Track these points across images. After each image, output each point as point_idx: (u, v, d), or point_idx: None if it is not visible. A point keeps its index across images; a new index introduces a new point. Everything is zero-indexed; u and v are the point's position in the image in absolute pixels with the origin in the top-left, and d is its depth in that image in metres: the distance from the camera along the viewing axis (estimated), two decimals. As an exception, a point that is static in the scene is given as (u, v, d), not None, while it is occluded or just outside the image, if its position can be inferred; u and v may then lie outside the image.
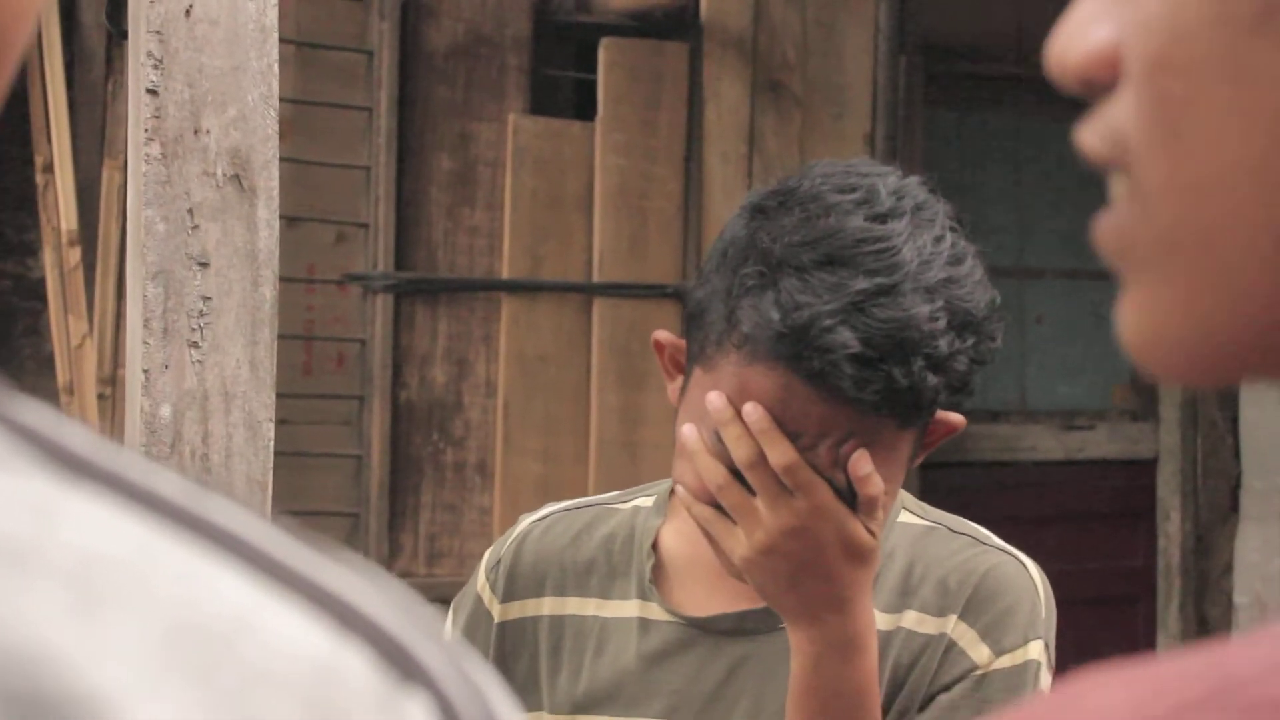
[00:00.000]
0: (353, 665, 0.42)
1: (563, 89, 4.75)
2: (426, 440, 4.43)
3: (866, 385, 1.24)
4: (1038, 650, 1.39)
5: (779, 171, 4.86)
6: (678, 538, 1.46)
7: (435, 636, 0.44)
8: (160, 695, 0.39)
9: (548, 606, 1.49)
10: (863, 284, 1.25)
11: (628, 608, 1.46)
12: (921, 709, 1.37)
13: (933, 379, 1.25)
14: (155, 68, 1.65)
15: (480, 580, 1.53)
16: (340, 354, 4.39)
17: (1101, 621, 5.17)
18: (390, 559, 4.37)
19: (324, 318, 4.37)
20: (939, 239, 1.30)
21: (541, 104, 4.60)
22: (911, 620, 1.40)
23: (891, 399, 1.25)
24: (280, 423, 4.14)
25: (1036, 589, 1.42)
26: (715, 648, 1.42)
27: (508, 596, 1.50)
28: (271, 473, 1.69)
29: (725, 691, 1.41)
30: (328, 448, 4.35)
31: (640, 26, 4.66)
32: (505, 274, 4.45)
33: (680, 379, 1.38)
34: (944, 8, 5.18)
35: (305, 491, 4.28)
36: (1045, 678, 1.40)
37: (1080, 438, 5.43)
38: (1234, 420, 5.54)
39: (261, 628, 0.41)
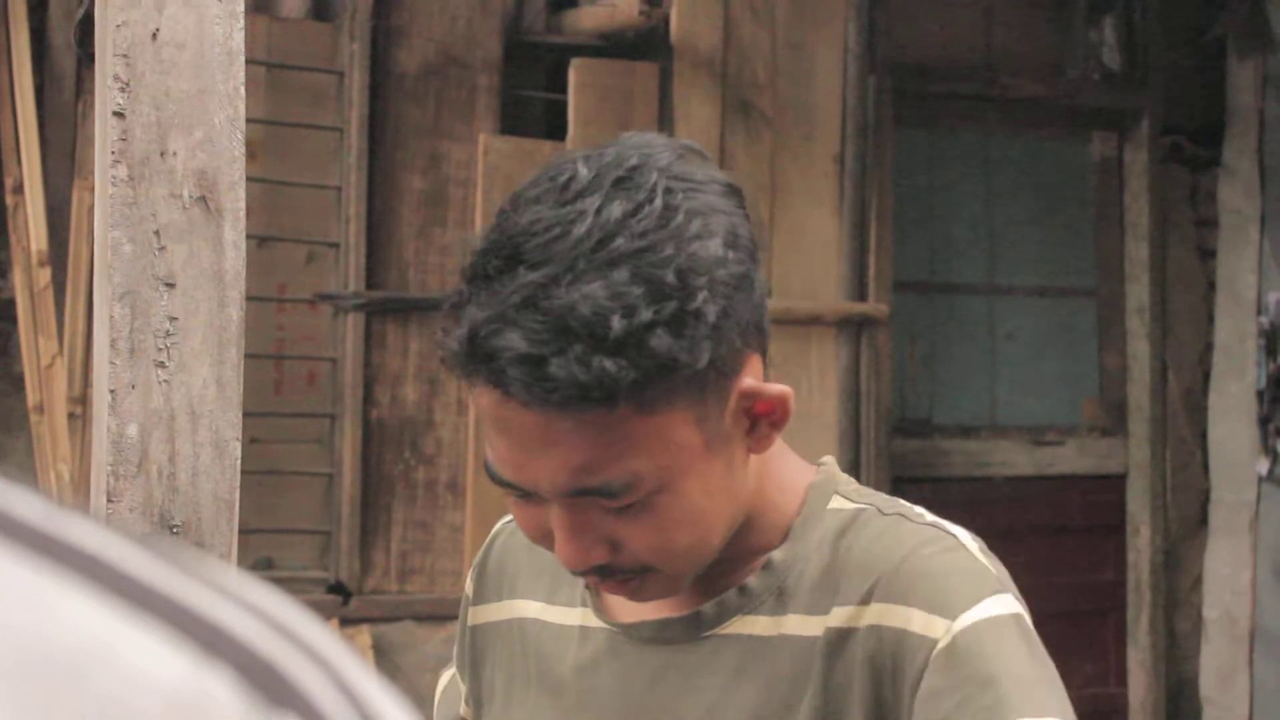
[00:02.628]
0: (215, 693, 0.39)
1: (533, 109, 4.77)
2: (398, 458, 4.43)
3: (534, 386, 1.11)
4: (999, 604, 1.23)
5: (749, 190, 4.87)
6: None
7: (316, 653, 0.41)
8: None
9: (508, 610, 1.45)
10: (526, 278, 1.13)
11: (572, 615, 1.41)
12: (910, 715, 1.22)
13: (608, 363, 1.11)
14: (122, 90, 1.66)
15: (467, 582, 1.51)
16: (311, 373, 4.40)
17: (1072, 635, 5.19)
18: (362, 576, 4.37)
19: (295, 337, 4.37)
20: (639, 206, 1.16)
21: (512, 124, 4.62)
22: (841, 617, 1.27)
23: (574, 394, 1.11)
24: (251, 441, 4.15)
25: (973, 554, 1.28)
26: (638, 656, 1.35)
27: (479, 599, 1.47)
28: (238, 491, 1.70)
29: (647, 702, 1.33)
30: (299, 466, 4.35)
31: (610, 47, 4.69)
32: (476, 293, 4.47)
33: None
34: (913, 27, 5.22)
35: (276, 510, 4.29)
36: (1027, 624, 1.24)
37: (1050, 453, 5.46)
38: (1203, 435, 5.57)
39: (113, 656, 0.38)
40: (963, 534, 1.30)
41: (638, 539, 1.22)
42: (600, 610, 1.38)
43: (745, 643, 1.31)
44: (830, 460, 1.38)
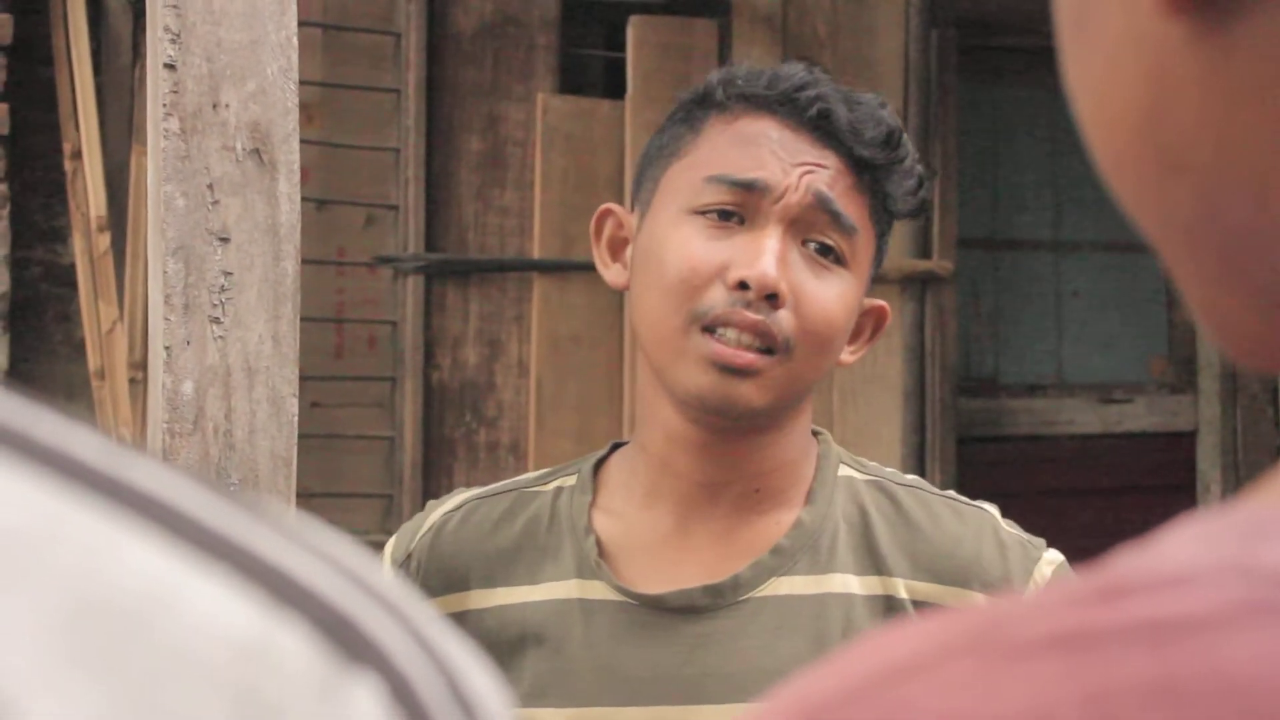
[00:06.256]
0: (287, 645, 0.37)
1: (592, 68, 4.73)
2: (459, 421, 4.42)
3: (860, 125, 1.38)
4: (1054, 555, 1.40)
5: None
6: (608, 518, 1.40)
7: (394, 606, 0.39)
8: (59, 688, 0.34)
9: (475, 600, 1.40)
10: (821, 80, 1.42)
11: (562, 589, 1.38)
12: None
13: (909, 146, 1.43)
14: (172, 42, 1.64)
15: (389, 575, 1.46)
16: (371, 336, 4.38)
17: (1142, 596, 5.13)
18: (425, 541, 4.37)
19: (354, 300, 4.36)
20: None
21: (570, 83, 4.58)
22: (891, 586, 1.37)
23: (884, 141, 1.40)
24: (312, 405, 4.13)
25: (1005, 528, 1.40)
26: (671, 627, 1.35)
27: (427, 594, 1.40)
28: (296, 449, 1.67)
29: (687, 672, 1.33)
30: (360, 430, 4.34)
31: (669, 4, 4.64)
32: (536, 254, 4.44)
33: (617, 265, 1.43)
34: (975, -20, 5.14)
35: (338, 474, 4.28)
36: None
37: (1118, 411, 5.40)
38: (1274, 391, 5.49)
39: (180, 605, 0.36)
40: (989, 507, 1.42)
41: (807, 300, 1.34)
42: (619, 582, 1.37)
43: (785, 602, 1.35)
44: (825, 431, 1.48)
